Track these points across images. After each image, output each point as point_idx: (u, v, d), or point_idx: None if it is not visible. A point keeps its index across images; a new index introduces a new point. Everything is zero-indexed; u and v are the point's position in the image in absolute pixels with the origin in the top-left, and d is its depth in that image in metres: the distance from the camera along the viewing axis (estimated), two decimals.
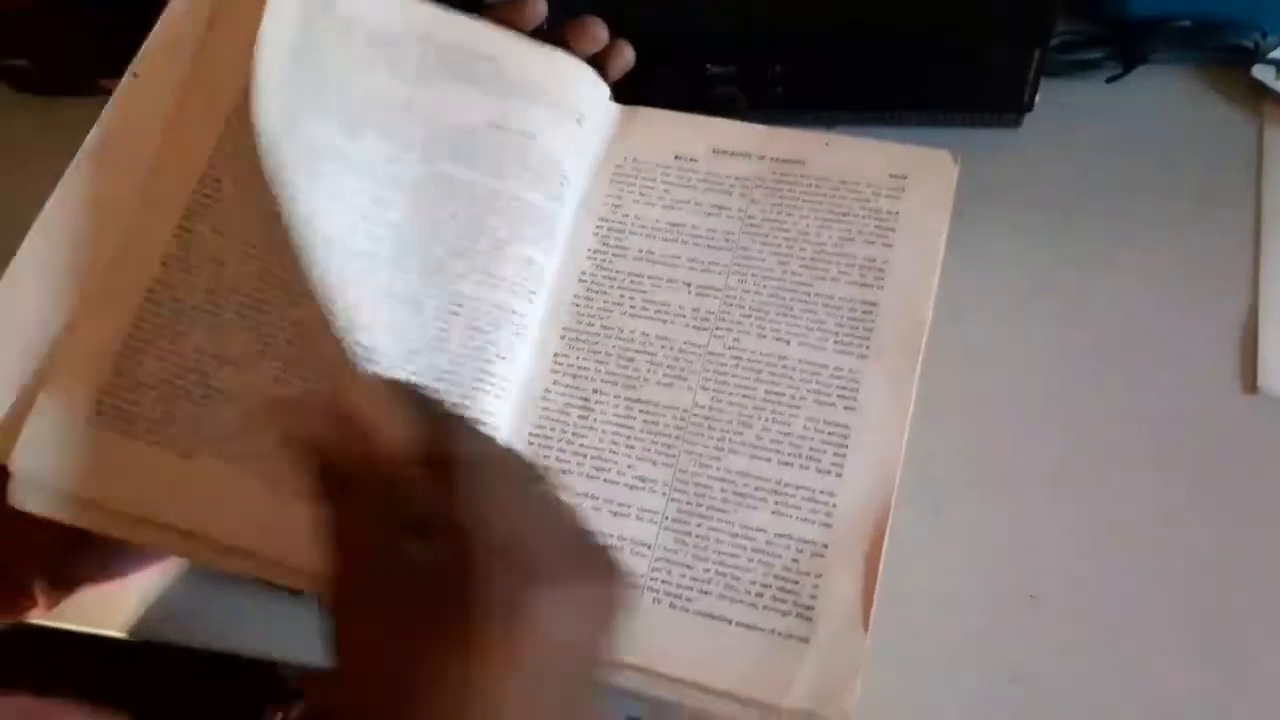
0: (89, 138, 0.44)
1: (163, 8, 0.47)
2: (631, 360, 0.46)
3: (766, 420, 0.45)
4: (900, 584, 0.43)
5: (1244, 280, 0.51)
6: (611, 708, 0.41)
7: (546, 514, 0.34)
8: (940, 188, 0.48)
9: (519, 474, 0.35)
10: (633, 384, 0.46)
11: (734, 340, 0.46)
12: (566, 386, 0.46)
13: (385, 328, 0.44)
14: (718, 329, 0.47)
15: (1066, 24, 0.56)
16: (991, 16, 0.51)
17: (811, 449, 0.44)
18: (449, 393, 0.44)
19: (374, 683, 0.31)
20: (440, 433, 0.33)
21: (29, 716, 0.44)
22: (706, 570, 0.43)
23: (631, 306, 0.47)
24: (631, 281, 0.48)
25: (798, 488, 0.43)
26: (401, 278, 0.45)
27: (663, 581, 0.43)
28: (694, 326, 0.47)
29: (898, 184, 0.48)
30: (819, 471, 0.43)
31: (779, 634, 0.41)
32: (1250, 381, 0.49)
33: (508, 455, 0.35)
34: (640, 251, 0.48)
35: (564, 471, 0.45)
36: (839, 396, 0.44)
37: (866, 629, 0.41)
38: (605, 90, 0.50)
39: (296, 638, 0.48)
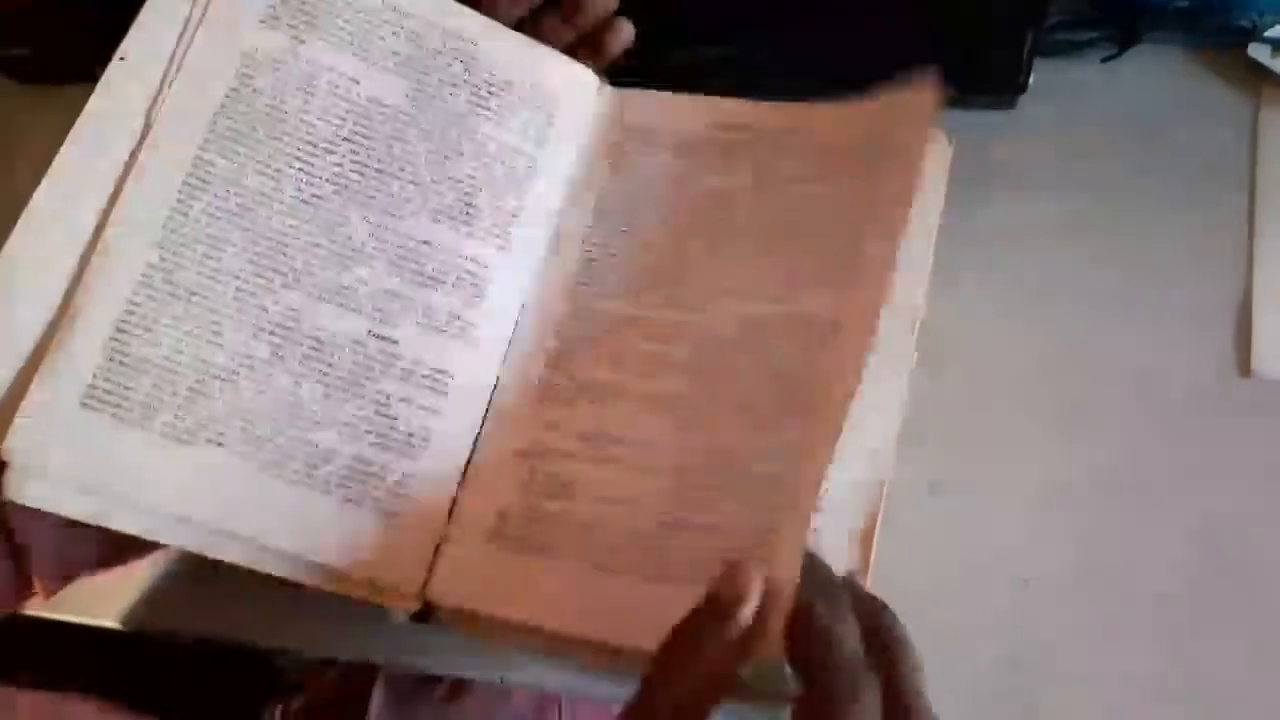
0: (78, 122, 0.44)
1: None
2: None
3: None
4: (895, 569, 0.43)
5: (1239, 261, 0.51)
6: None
7: None
8: (934, 168, 0.47)
9: None
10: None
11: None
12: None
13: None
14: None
15: (1062, 4, 0.55)
16: None
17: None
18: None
19: None
20: None
21: (40, 711, 0.44)
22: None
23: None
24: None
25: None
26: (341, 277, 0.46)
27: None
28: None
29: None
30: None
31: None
32: (1245, 364, 0.49)
33: None
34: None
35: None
36: None
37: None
38: (592, 81, 0.50)
39: (297, 629, 0.48)
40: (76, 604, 0.48)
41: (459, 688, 0.56)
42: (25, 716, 0.44)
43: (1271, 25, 0.54)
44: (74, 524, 0.42)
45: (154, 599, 0.50)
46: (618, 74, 0.51)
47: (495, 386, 0.46)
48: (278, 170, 0.45)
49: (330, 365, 0.44)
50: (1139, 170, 0.54)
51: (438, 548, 0.44)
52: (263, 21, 0.46)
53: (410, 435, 0.44)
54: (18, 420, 0.41)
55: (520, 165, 0.48)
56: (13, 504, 0.42)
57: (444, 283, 0.46)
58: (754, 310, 0.45)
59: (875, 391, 0.44)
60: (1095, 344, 0.51)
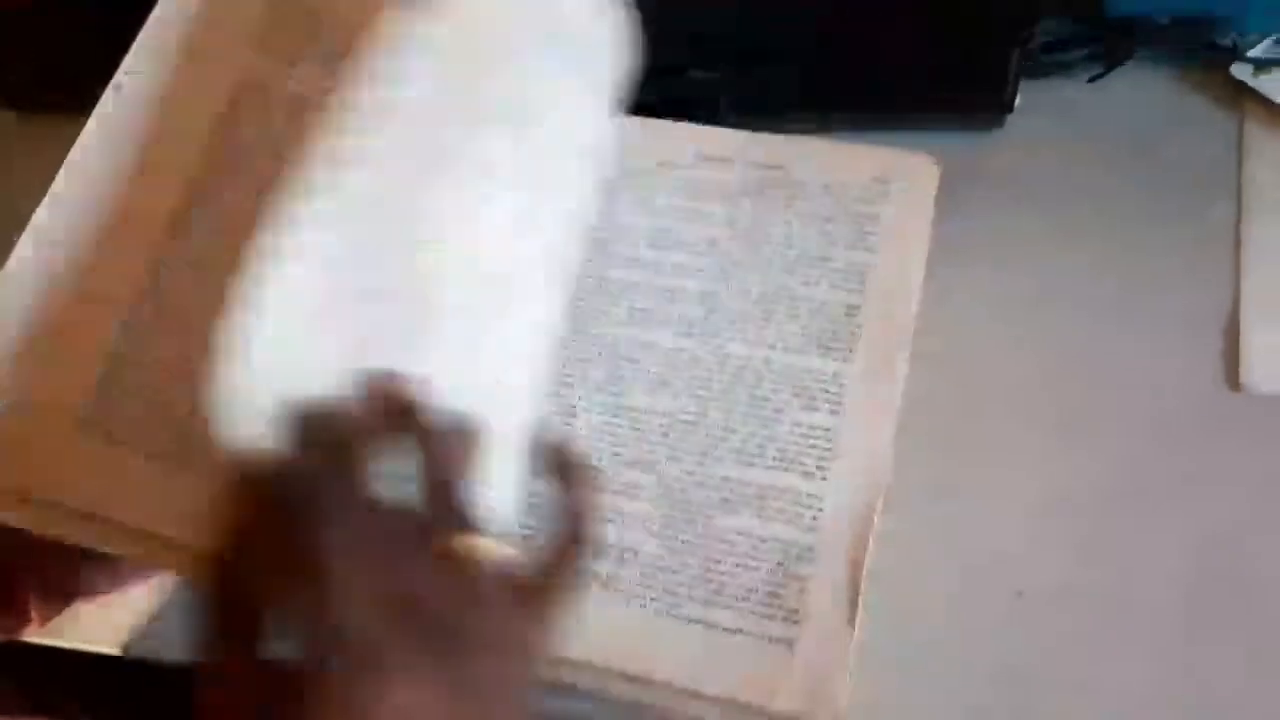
0: (74, 148, 0.45)
1: None
2: (617, 367, 0.47)
3: (751, 425, 0.45)
4: (888, 583, 0.43)
5: (1226, 277, 0.52)
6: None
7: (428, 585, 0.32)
8: (922, 191, 0.48)
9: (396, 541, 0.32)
10: (619, 391, 0.46)
11: (718, 345, 0.47)
12: (551, 395, 0.46)
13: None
14: (702, 335, 0.47)
15: (1048, 24, 0.56)
16: (971, 17, 0.51)
17: (796, 453, 0.44)
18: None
19: None
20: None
21: None
22: (694, 576, 0.43)
23: (617, 314, 0.48)
24: (617, 289, 0.48)
25: (783, 491, 0.44)
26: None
27: (650, 587, 0.43)
28: (679, 333, 0.47)
29: (880, 188, 0.48)
30: (804, 475, 0.44)
31: (767, 638, 0.42)
32: (1234, 379, 0.50)
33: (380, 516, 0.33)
34: (626, 259, 0.49)
35: None
36: (823, 400, 0.45)
37: (854, 631, 0.41)
38: None
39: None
40: (71, 630, 0.48)
41: None
42: None
43: (1253, 45, 0.55)
44: (69, 550, 0.42)
45: (150, 625, 0.50)
46: None
47: None
48: None
49: None
50: (1127, 186, 0.54)
51: None
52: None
53: None
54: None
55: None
56: (5, 531, 0.42)
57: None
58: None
59: (865, 409, 0.44)
60: (1087, 356, 0.51)
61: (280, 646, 0.30)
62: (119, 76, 0.46)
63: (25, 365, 0.42)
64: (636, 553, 0.43)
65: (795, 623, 0.42)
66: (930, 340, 0.47)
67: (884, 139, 0.50)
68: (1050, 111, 0.55)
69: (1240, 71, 0.55)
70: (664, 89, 0.53)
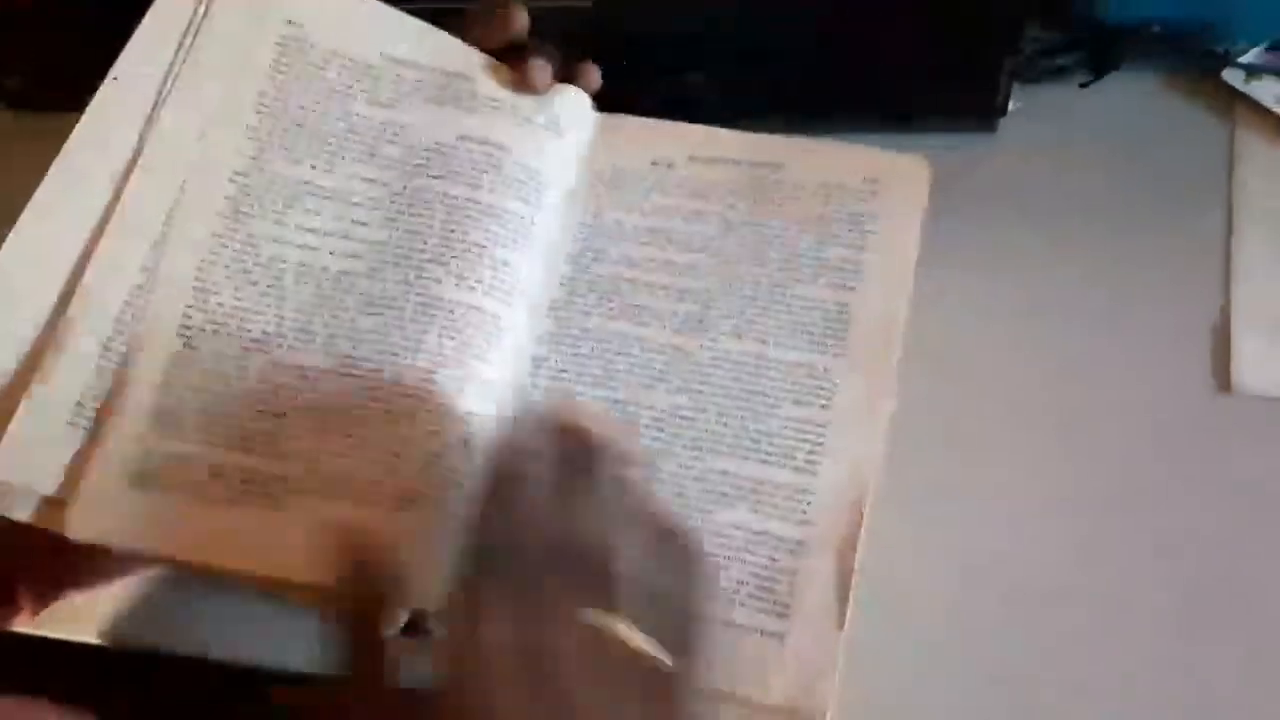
0: (65, 146, 0.45)
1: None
2: (611, 363, 0.47)
3: (744, 419, 0.45)
4: (881, 586, 0.43)
5: (1217, 281, 0.52)
6: None
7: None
8: (913, 191, 0.48)
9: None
10: (613, 386, 0.46)
11: (712, 341, 0.47)
12: (547, 390, 0.47)
13: (368, 334, 0.45)
14: (695, 330, 0.47)
15: (1041, 30, 0.56)
16: (963, 22, 0.52)
17: (788, 447, 0.44)
18: (431, 394, 0.44)
19: None
20: None
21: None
22: None
23: (611, 310, 0.48)
24: (611, 285, 0.48)
25: (776, 486, 0.44)
26: (380, 286, 0.46)
27: None
28: (673, 329, 0.47)
29: (872, 188, 0.49)
30: (795, 470, 0.44)
31: (757, 631, 0.42)
32: (1224, 381, 0.50)
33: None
34: (620, 256, 0.49)
35: None
36: (815, 395, 0.45)
37: (842, 626, 0.42)
38: (585, 100, 0.51)
39: (280, 644, 0.48)
40: (56, 620, 0.48)
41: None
42: None
43: (1244, 51, 0.55)
44: (60, 541, 0.42)
45: (132, 614, 0.50)
46: (598, 105, 0.52)
47: None
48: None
49: None
50: (1118, 191, 0.54)
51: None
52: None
53: None
54: (6, 437, 0.42)
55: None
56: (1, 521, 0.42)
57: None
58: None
59: (857, 404, 0.45)
60: (1079, 359, 0.51)
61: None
62: (113, 71, 0.46)
63: None
64: None
65: (786, 616, 0.42)
66: (924, 344, 0.47)
67: (877, 142, 0.50)
68: (1043, 116, 0.56)
69: (1232, 78, 0.55)
70: (659, 90, 0.53)
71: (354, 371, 0.44)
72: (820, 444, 0.44)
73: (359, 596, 0.38)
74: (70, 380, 0.43)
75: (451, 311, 0.46)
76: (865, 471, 0.44)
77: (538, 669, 0.31)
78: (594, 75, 0.51)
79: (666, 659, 0.33)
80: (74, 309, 0.44)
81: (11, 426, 0.42)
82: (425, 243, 0.46)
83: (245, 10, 0.48)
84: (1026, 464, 0.49)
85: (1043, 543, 0.48)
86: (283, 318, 0.45)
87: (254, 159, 0.47)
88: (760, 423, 0.45)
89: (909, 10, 0.52)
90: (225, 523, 0.42)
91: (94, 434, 0.43)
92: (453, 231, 0.47)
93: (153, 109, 0.46)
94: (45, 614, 0.47)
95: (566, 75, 0.50)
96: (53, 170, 0.45)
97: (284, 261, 0.46)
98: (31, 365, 0.43)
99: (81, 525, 0.41)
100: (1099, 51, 0.56)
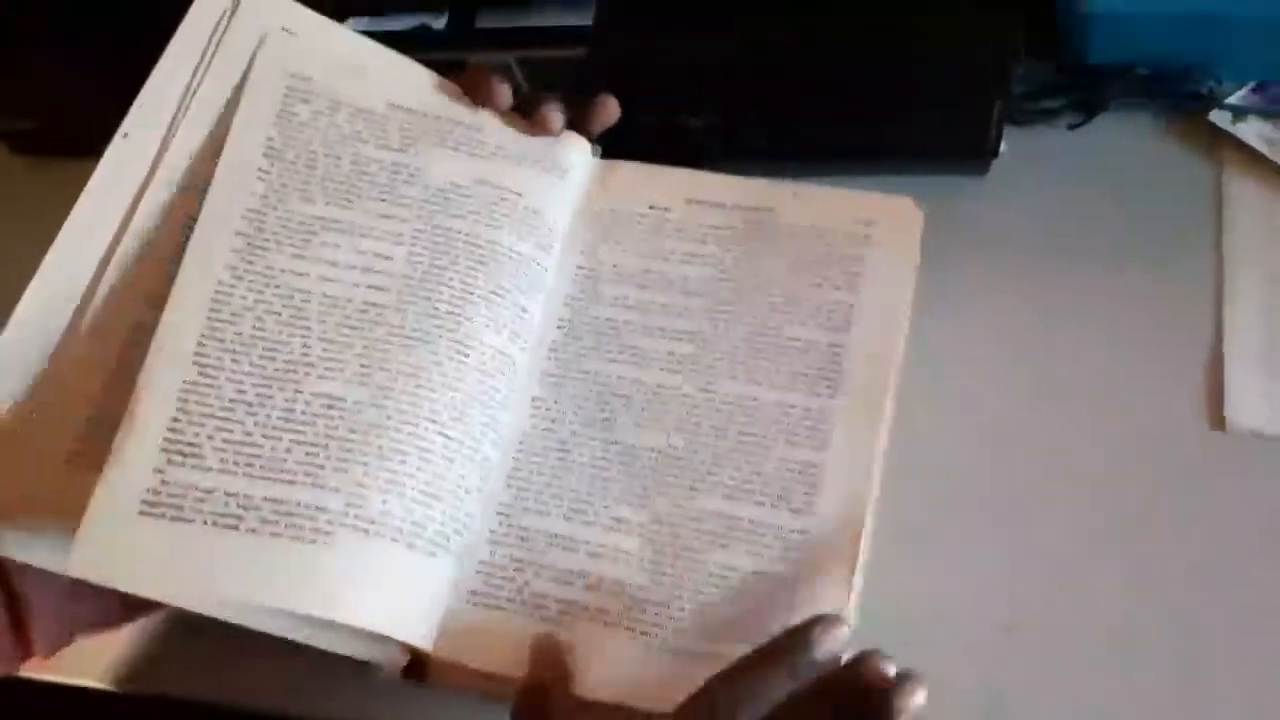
0: (80, 198, 0.46)
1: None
2: (607, 404, 0.48)
3: (739, 460, 0.46)
4: (877, 616, 0.44)
5: (1208, 319, 0.52)
6: None
7: None
8: (906, 232, 0.49)
9: None
10: (609, 427, 0.47)
11: (707, 383, 0.48)
12: (545, 430, 0.47)
13: (401, 366, 0.45)
14: (691, 372, 0.48)
15: (1030, 73, 0.57)
16: (955, 65, 0.53)
17: (783, 488, 0.45)
18: (463, 438, 0.45)
19: None
20: None
21: None
22: (682, 609, 0.44)
23: (608, 351, 0.49)
24: (608, 327, 0.49)
25: (770, 526, 0.44)
26: (412, 319, 0.46)
27: (639, 620, 0.44)
28: (668, 370, 0.48)
29: (864, 230, 0.49)
30: (791, 511, 0.45)
31: None
32: (1217, 418, 0.50)
33: None
34: (617, 298, 0.50)
35: (541, 513, 0.46)
36: (808, 436, 0.46)
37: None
38: (587, 146, 0.52)
39: (288, 689, 0.49)
40: (66, 664, 0.49)
41: None
42: None
43: (1230, 93, 0.56)
44: (76, 583, 0.42)
45: (143, 659, 0.51)
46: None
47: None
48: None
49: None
50: (1109, 233, 0.55)
51: None
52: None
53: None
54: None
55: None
56: (14, 563, 0.43)
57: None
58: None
59: (851, 445, 0.45)
60: (1072, 397, 0.52)
61: None
62: (123, 127, 0.47)
63: None
64: (625, 585, 0.44)
65: None
66: (916, 383, 0.48)
67: (870, 185, 0.51)
68: (1033, 158, 0.57)
69: (1219, 118, 0.56)
70: (654, 135, 0.55)
71: (383, 403, 0.45)
72: (815, 484, 0.45)
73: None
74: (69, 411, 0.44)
75: (482, 354, 0.47)
76: (860, 510, 0.44)
77: None
78: (611, 108, 0.52)
79: None
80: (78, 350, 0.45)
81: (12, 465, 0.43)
82: (451, 281, 0.47)
83: (252, 61, 0.49)
84: (1021, 502, 0.50)
85: (1037, 579, 0.48)
86: (309, 347, 0.45)
87: (266, 198, 0.47)
88: (755, 464, 0.46)
89: (901, 56, 0.53)
90: (248, 555, 0.42)
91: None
92: (476, 272, 0.48)
93: (160, 155, 0.47)
94: (57, 658, 0.47)
95: (586, 109, 0.51)
96: (68, 222, 0.46)
97: (307, 292, 0.46)
98: (38, 396, 0.44)
99: (84, 563, 0.41)
100: (1088, 94, 0.57)
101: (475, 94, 0.51)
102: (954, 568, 0.49)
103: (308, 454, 0.43)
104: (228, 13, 0.49)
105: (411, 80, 0.51)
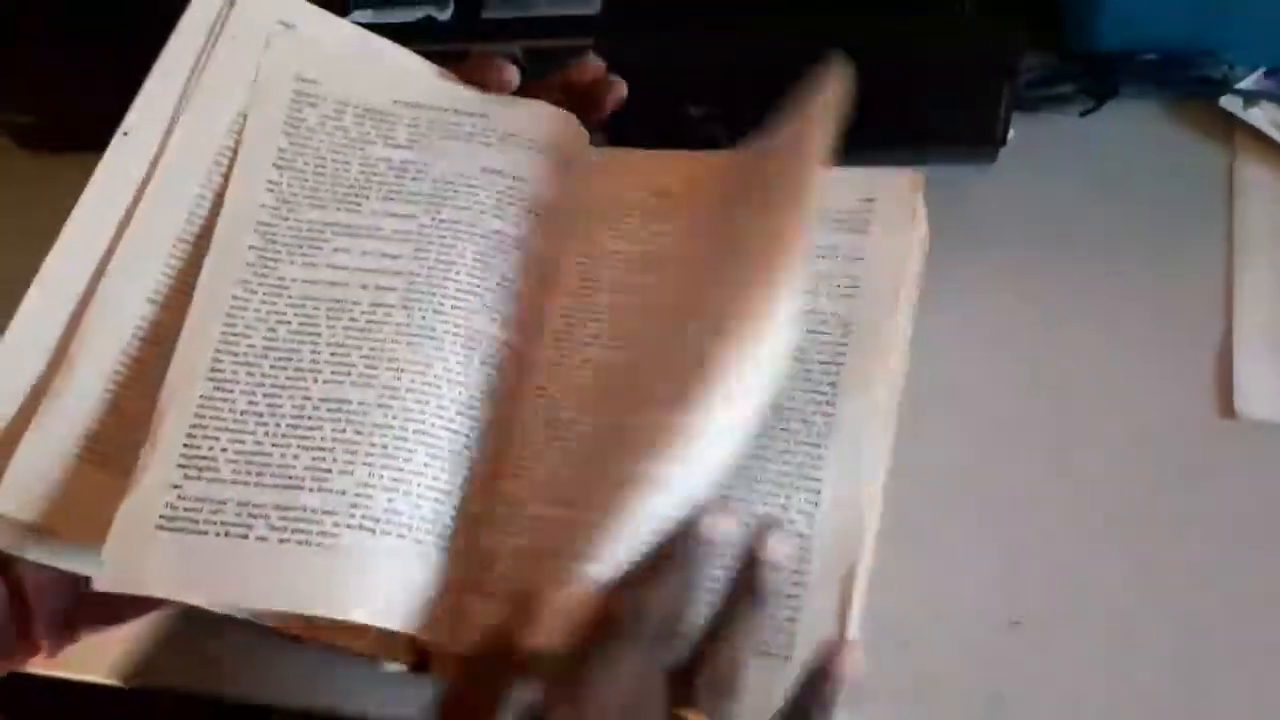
0: (82, 196, 0.46)
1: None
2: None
3: (743, 459, 0.45)
4: (882, 611, 0.43)
5: (1218, 307, 0.52)
6: None
7: None
8: (906, 207, 0.48)
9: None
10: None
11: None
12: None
13: (410, 364, 0.45)
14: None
15: (1039, 60, 0.57)
16: (963, 52, 0.52)
17: (786, 481, 0.44)
18: (468, 433, 0.45)
19: None
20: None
21: None
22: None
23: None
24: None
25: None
26: (416, 317, 0.46)
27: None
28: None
29: (866, 207, 0.48)
30: (800, 512, 0.44)
31: (760, 670, 0.42)
32: (1227, 406, 0.50)
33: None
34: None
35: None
36: (818, 401, 0.45)
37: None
38: (585, 134, 0.52)
39: (290, 682, 0.49)
40: (70, 660, 0.49)
41: None
42: None
43: (1242, 78, 0.56)
44: (79, 580, 0.42)
45: (147, 655, 0.51)
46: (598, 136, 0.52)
47: None
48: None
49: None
50: (1118, 220, 0.55)
51: None
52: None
53: None
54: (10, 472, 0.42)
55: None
56: (21, 561, 0.43)
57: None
58: None
59: (855, 440, 0.45)
60: (1080, 387, 0.52)
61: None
62: (124, 124, 0.47)
63: None
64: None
65: (789, 658, 0.42)
66: (923, 371, 0.48)
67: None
68: (1043, 145, 0.56)
69: (1230, 104, 0.56)
70: (660, 124, 0.54)
71: (390, 402, 0.44)
72: (818, 481, 0.44)
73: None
74: (76, 414, 0.44)
75: (489, 347, 0.46)
76: (865, 505, 0.44)
77: None
78: (620, 89, 0.52)
79: None
80: (74, 347, 0.44)
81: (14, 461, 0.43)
82: (457, 274, 0.47)
83: (256, 68, 0.49)
84: (1028, 492, 0.50)
85: (1045, 570, 0.48)
86: (318, 352, 0.45)
87: (276, 209, 0.47)
88: (759, 461, 0.45)
89: (909, 42, 0.53)
90: (258, 562, 0.42)
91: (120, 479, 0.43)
92: (483, 264, 0.47)
93: (159, 156, 0.47)
94: (62, 654, 0.47)
95: (597, 87, 0.51)
96: (70, 220, 0.46)
97: (316, 299, 0.46)
98: (37, 402, 0.44)
99: (109, 580, 0.41)
100: (1097, 81, 0.56)
101: (482, 79, 0.51)
102: (959, 561, 0.49)
103: (314, 458, 0.43)
104: (225, 7, 0.48)
105: (416, 74, 0.51)
